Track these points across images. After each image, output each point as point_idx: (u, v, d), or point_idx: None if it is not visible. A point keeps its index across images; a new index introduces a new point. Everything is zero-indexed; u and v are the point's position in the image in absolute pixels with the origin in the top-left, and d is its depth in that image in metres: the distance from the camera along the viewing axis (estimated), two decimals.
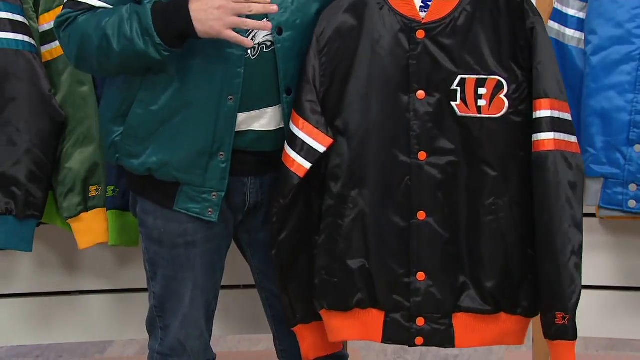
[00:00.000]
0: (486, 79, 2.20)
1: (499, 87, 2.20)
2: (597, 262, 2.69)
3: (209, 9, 2.07)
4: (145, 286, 2.57)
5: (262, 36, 2.18)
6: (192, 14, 2.08)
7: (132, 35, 2.10)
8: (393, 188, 2.24)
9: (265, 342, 3.56)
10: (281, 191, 2.23)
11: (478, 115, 2.21)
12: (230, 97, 2.17)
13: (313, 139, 2.21)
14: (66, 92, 2.54)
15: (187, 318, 2.31)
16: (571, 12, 2.51)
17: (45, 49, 2.55)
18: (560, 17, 2.53)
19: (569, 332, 2.20)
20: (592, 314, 2.73)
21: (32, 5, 2.54)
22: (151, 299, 2.36)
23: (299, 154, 2.21)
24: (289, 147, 2.22)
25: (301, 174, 2.22)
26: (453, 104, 2.21)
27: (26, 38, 2.49)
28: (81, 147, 2.55)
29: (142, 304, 2.77)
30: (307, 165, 2.22)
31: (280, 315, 2.39)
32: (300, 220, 2.26)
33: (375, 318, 2.29)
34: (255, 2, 2.08)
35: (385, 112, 2.22)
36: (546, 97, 2.17)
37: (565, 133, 2.19)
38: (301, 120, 2.21)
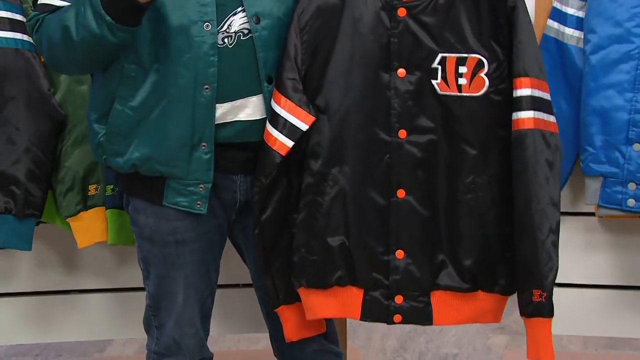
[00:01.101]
0: (467, 57, 2.20)
1: (479, 65, 2.20)
2: (596, 261, 2.70)
3: None
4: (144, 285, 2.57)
5: (238, 24, 2.19)
6: None
7: (87, 21, 2.10)
8: (373, 166, 2.25)
9: (264, 341, 3.55)
10: (263, 170, 2.23)
11: (458, 94, 2.21)
12: (206, 86, 2.17)
13: (295, 117, 2.21)
14: (65, 91, 2.54)
15: (181, 317, 2.31)
16: (570, 11, 2.52)
17: None
18: (560, 16, 2.53)
19: (546, 309, 2.21)
20: (591, 313, 2.73)
21: (31, 4, 2.53)
22: (146, 299, 2.36)
23: (281, 132, 2.21)
24: (270, 126, 2.22)
25: (283, 153, 2.22)
26: (434, 82, 2.22)
27: (25, 37, 2.49)
28: (80, 146, 2.55)
29: (141, 303, 2.77)
30: (290, 143, 2.22)
31: (274, 314, 2.39)
32: (281, 199, 2.26)
33: (354, 296, 2.29)
34: None
35: (366, 90, 2.23)
36: (526, 75, 2.17)
37: (544, 112, 2.19)
38: (283, 99, 2.21)
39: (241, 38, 2.19)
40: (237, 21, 2.19)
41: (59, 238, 2.71)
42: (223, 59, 2.17)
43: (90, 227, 2.59)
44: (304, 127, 2.22)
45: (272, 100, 2.22)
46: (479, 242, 2.25)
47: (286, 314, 2.33)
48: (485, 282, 2.27)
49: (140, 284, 2.73)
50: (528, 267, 2.20)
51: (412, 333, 3.72)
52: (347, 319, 2.89)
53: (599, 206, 2.53)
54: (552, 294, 2.21)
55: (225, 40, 2.18)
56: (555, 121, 2.21)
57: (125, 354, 3.59)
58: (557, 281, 2.69)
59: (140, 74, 2.18)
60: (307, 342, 2.39)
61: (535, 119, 2.17)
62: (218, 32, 2.17)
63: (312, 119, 2.23)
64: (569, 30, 2.51)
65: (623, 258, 2.69)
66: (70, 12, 2.14)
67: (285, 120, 2.21)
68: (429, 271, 2.27)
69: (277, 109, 2.21)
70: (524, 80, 2.17)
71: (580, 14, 2.50)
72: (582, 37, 2.50)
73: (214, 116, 2.19)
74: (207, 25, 2.15)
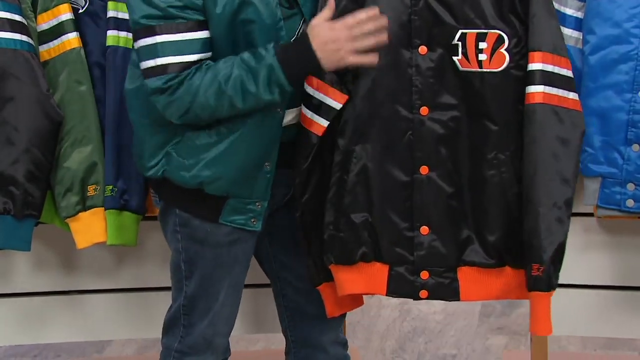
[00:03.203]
0: (487, 33, 2.22)
1: (499, 41, 2.22)
2: (595, 262, 2.70)
3: (329, 43, 2.13)
4: (144, 285, 2.58)
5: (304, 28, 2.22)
6: (316, 54, 2.13)
7: (258, 90, 2.13)
8: (396, 143, 2.27)
9: (262, 342, 3.56)
10: (302, 153, 2.26)
11: (479, 70, 2.23)
12: (278, 108, 2.21)
13: (329, 96, 2.24)
14: (64, 92, 2.54)
15: (218, 315, 2.33)
16: (569, 11, 2.52)
17: (43, 48, 2.55)
18: (559, 17, 2.53)
19: (543, 283, 2.22)
20: (590, 314, 2.73)
21: (30, 4, 2.53)
22: (179, 299, 2.34)
23: (315, 113, 2.24)
24: (305, 109, 2.25)
25: (319, 133, 2.25)
26: (455, 58, 2.24)
27: (24, 37, 2.49)
28: (79, 146, 2.55)
29: (140, 304, 2.78)
30: (325, 123, 2.24)
31: (294, 305, 2.43)
32: (319, 181, 2.29)
33: (379, 271, 2.31)
34: (364, 21, 2.13)
35: (387, 68, 2.24)
36: (539, 50, 2.19)
37: (559, 88, 2.21)
38: (315, 80, 2.23)
39: None
40: (306, 26, 2.21)
41: (58, 238, 2.71)
42: None
43: (89, 227, 2.59)
44: (338, 106, 2.25)
45: (304, 83, 2.24)
46: (503, 218, 2.27)
47: (327, 290, 2.36)
48: (511, 258, 2.28)
49: (139, 284, 2.74)
50: (529, 240, 2.22)
51: (411, 334, 3.72)
52: (346, 320, 2.88)
53: (597, 207, 2.53)
54: (551, 269, 2.22)
55: None
56: (576, 98, 2.23)
57: (124, 354, 3.58)
58: None
59: None
60: (326, 332, 2.43)
61: (544, 94, 2.19)
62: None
63: (345, 97, 2.25)
64: (567, 31, 2.51)
65: (622, 258, 2.69)
66: (232, 81, 2.12)
67: (320, 101, 2.24)
68: (455, 247, 2.29)
69: (310, 90, 2.24)
70: (536, 54, 2.19)
71: (579, 14, 2.50)
72: (581, 37, 2.50)
73: (280, 136, 2.23)
74: None
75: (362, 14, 2.15)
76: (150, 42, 2.14)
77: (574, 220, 2.66)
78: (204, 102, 2.14)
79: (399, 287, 2.31)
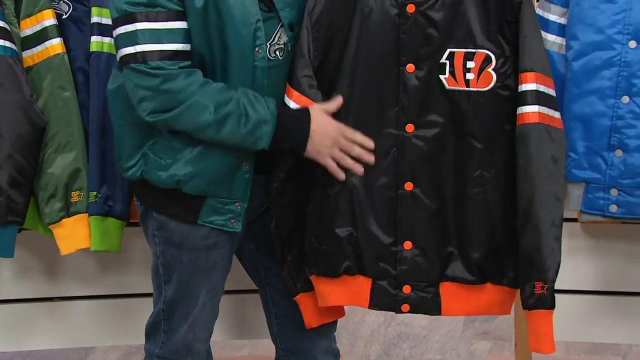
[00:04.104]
0: (475, 52, 2.23)
1: (487, 60, 2.23)
2: (578, 267, 2.70)
3: (324, 136, 2.19)
4: (128, 292, 2.57)
5: (286, 35, 2.22)
6: (309, 136, 2.18)
7: (245, 140, 2.16)
8: (381, 159, 2.27)
9: (247, 348, 3.55)
10: (280, 165, 2.26)
11: (466, 89, 2.24)
12: None
13: None
14: (48, 97, 2.53)
15: (197, 320, 2.33)
16: (552, 17, 2.52)
17: (26, 53, 2.54)
18: (542, 23, 2.54)
19: (548, 301, 2.24)
20: (573, 319, 2.74)
21: (13, 10, 2.53)
22: (159, 303, 2.35)
23: None
24: None
25: None
26: (442, 77, 2.24)
27: (7, 43, 2.48)
28: (63, 152, 2.54)
29: (124, 310, 2.77)
30: None
31: (284, 312, 2.42)
32: (296, 192, 2.29)
33: (362, 285, 2.32)
34: (359, 145, 2.22)
35: (374, 85, 2.25)
36: (532, 70, 2.21)
37: (549, 107, 2.23)
38: (296, 94, 2.24)
39: (289, 49, 2.23)
40: (285, 32, 2.22)
41: (42, 245, 2.70)
42: (275, 72, 2.22)
43: (73, 233, 2.58)
44: None
45: (285, 96, 2.24)
46: (486, 235, 2.28)
47: (305, 301, 2.36)
48: (493, 275, 2.30)
49: (123, 290, 2.72)
50: (530, 260, 2.23)
51: (395, 339, 3.72)
52: None
53: (581, 212, 2.54)
54: (553, 287, 2.24)
55: (277, 52, 2.22)
56: (559, 117, 2.25)
57: None
58: None
59: None
60: (317, 341, 2.42)
61: (539, 114, 2.21)
62: (270, 45, 2.21)
63: None
64: (550, 37, 2.52)
65: (606, 264, 2.70)
66: (233, 118, 2.14)
67: None
68: (438, 262, 2.30)
69: (292, 105, 2.24)
70: (529, 75, 2.21)
71: (562, 20, 2.51)
72: (564, 43, 2.51)
73: None
74: (259, 50, 2.18)
75: (359, 136, 2.22)
76: (130, 29, 2.15)
77: None
78: (186, 117, 2.15)
79: (381, 301, 2.32)
